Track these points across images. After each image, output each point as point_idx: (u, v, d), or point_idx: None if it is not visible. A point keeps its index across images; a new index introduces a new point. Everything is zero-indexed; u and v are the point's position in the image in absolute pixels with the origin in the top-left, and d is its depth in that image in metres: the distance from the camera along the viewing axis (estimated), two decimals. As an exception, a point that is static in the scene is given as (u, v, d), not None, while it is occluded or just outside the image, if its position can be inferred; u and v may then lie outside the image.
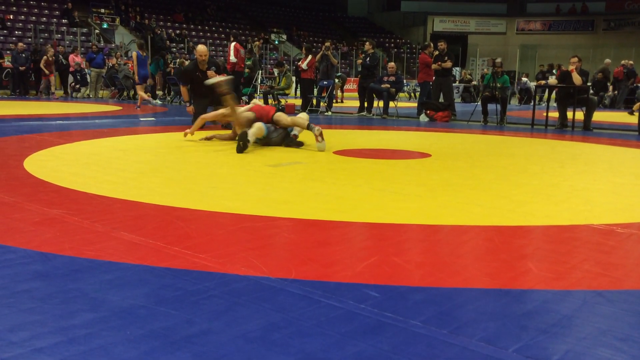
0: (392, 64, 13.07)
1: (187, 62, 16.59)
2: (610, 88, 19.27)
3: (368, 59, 12.24)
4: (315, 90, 13.70)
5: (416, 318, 1.86)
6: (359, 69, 12.71)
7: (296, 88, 18.60)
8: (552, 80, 10.08)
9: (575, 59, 9.91)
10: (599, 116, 11.21)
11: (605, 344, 1.73)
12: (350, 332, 1.75)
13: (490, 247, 2.73)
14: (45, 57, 16.59)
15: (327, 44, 13.23)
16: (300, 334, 1.74)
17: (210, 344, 1.66)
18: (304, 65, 12.71)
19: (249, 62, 14.72)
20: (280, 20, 34.69)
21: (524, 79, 20.95)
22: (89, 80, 17.88)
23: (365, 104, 12.29)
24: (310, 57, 12.76)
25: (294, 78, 17.03)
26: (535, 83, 19.35)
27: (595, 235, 2.96)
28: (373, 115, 12.06)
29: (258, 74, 13.89)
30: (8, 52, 18.53)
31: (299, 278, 2.21)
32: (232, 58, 12.20)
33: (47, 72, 16.96)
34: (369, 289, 2.12)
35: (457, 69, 21.90)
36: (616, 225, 3.13)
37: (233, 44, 12.43)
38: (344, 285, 2.15)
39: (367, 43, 12.86)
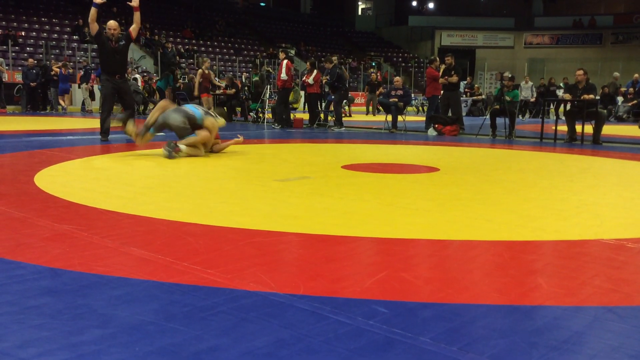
0: (398, 78, 13.12)
1: (196, 78, 16.75)
2: (620, 100, 19.21)
3: (328, 75, 12.50)
4: (323, 105, 13.76)
5: (425, 334, 1.85)
6: (326, 90, 13.02)
7: (304, 102, 18.69)
8: (567, 96, 10.03)
9: (581, 72, 9.89)
10: (608, 130, 11.17)
11: (617, 361, 1.71)
12: (359, 349, 1.74)
13: (499, 262, 2.71)
14: (200, 70, 14.36)
15: (334, 58, 13.34)
16: (308, 350, 1.73)
17: (219, 360, 1.65)
18: (310, 80, 12.79)
19: (256, 78, 14.80)
20: (288, 36, 34.92)
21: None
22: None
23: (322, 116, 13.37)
24: (315, 72, 12.84)
25: (302, 92, 17.11)
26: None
27: (605, 250, 2.94)
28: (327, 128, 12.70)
29: (266, 89, 13.95)
30: (19, 68, 18.77)
31: (308, 294, 2.21)
32: (284, 75, 12.29)
33: (196, 91, 14.13)
34: (377, 304, 2.11)
35: (464, 82, 21.76)
36: (627, 240, 3.11)
37: (285, 61, 12.50)
38: (353, 301, 2.15)
39: (327, 62, 13.04)
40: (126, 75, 8.56)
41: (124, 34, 8.02)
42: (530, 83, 20.01)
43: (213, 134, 6.69)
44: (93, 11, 7.69)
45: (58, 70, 17.40)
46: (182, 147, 6.39)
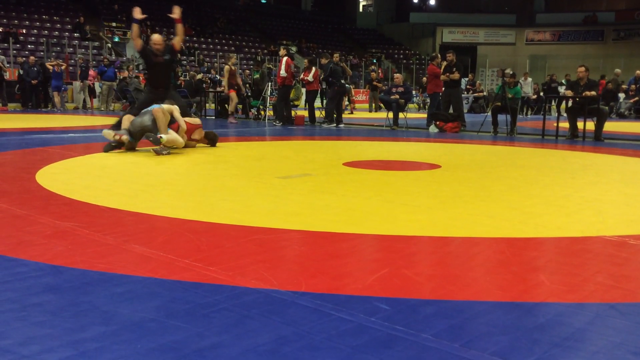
0: (398, 75, 13.08)
1: (198, 76, 16.73)
2: (622, 97, 19.18)
3: (322, 73, 12.49)
4: (324, 102, 13.74)
5: (427, 331, 1.85)
6: (324, 87, 12.90)
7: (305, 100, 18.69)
8: (568, 92, 10.01)
9: (582, 68, 9.87)
10: (609, 126, 11.15)
11: (619, 357, 1.71)
12: (361, 346, 1.74)
13: (501, 259, 2.71)
14: (227, 65, 13.62)
15: (336, 55, 13.29)
16: (310, 347, 1.73)
17: (221, 357, 1.65)
18: (309, 77, 12.75)
19: (257, 75, 14.77)
20: (289, 33, 34.89)
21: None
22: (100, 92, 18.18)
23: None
24: (314, 69, 12.82)
25: (303, 90, 17.12)
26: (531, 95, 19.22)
27: (607, 247, 2.94)
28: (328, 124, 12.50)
29: (267, 86, 13.93)
30: (17, 65, 18.78)
31: (309, 291, 2.21)
32: (283, 72, 12.30)
33: (226, 88, 13.53)
34: (379, 301, 2.11)
35: (465, 79, 21.67)
36: (629, 237, 3.10)
37: (285, 58, 12.51)
38: (355, 298, 2.15)
39: (323, 57, 12.98)
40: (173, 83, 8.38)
41: (168, 46, 7.90)
42: (529, 80, 19.93)
43: (175, 113, 6.82)
44: (135, 27, 7.70)
45: (51, 67, 17.51)
46: (163, 136, 6.44)
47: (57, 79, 17.50)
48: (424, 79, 16.99)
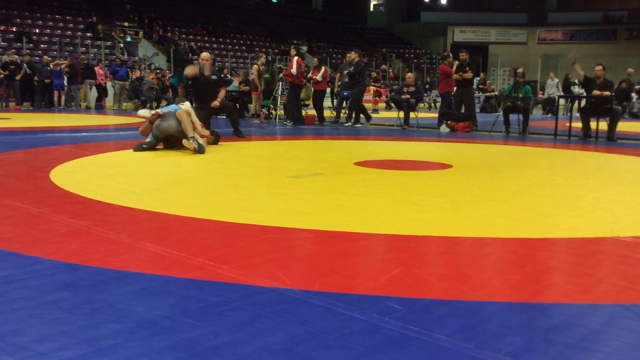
0: (410, 74, 13.01)
1: (254, 74, 16.80)
2: (635, 97, 18.99)
3: (352, 68, 12.26)
4: (335, 102, 13.67)
5: (440, 332, 1.85)
6: (345, 80, 12.61)
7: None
8: (579, 71, 9.82)
9: (600, 67, 9.79)
10: (623, 126, 11.06)
11: (634, 359, 1.70)
12: (374, 346, 1.74)
13: (514, 259, 2.70)
14: (256, 65, 13.50)
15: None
16: (323, 346, 1.73)
17: (235, 356, 1.66)
18: (318, 77, 12.71)
19: (267, 75, 14.78)
20: (300, 32, 34.89)
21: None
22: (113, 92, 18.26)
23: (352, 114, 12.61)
24: (323, 68, 12.77)
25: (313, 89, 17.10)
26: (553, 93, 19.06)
27: (621, 247, 2.92)
28: (353, 124, 12.32)
29: (278, 86, 13.94)
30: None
31: (322, 290, 2.21)
32: (294, 71, 12.32)
33: (259, 85, 13.47)
34: (392, 301, 2.11)
35: (477, 79, 21.50)
36: (643, 238, 3.08)
37: (296, 58, 12.53)
38: (367, 297, 2.15)
39: (353, 52, 12.83)
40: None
41: (217, 68, 8.27)
42: (556, 80, 19.71)
43: (192, 116, 6.92)
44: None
45: (51, 66, 17.63)
46: (197, 136, 6.65)
47: (59, 78, 17.70)
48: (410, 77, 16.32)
